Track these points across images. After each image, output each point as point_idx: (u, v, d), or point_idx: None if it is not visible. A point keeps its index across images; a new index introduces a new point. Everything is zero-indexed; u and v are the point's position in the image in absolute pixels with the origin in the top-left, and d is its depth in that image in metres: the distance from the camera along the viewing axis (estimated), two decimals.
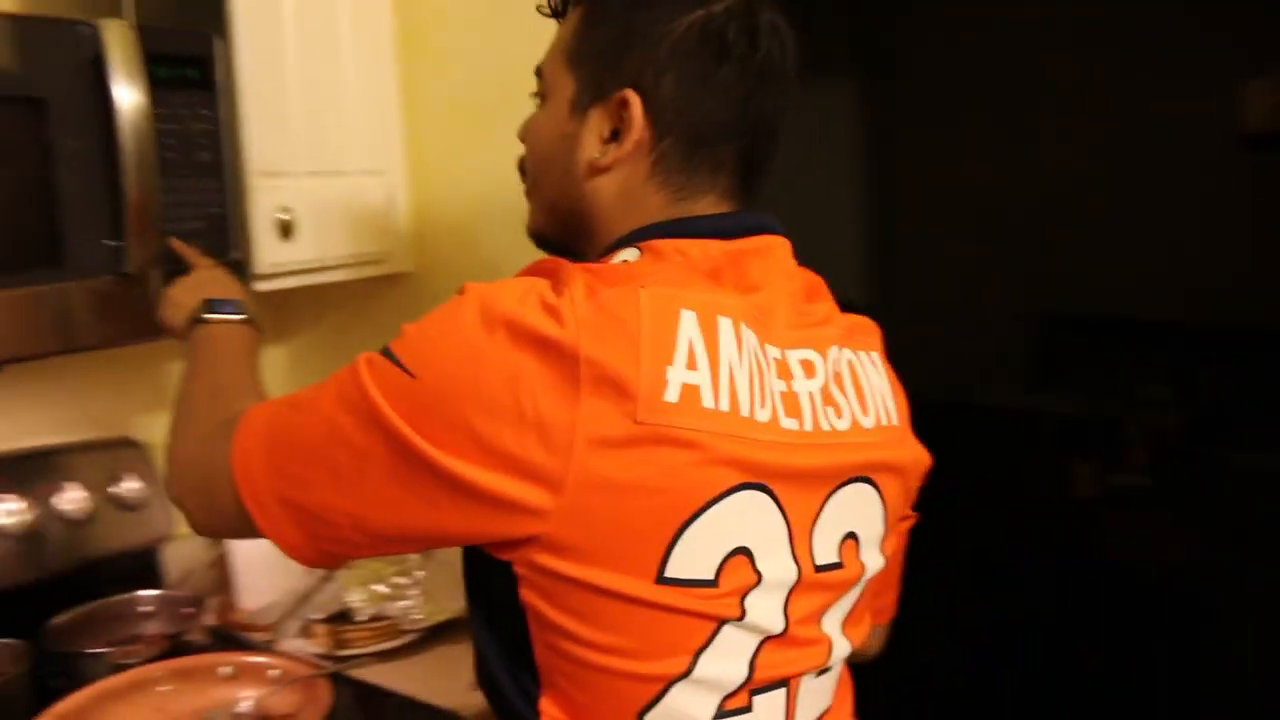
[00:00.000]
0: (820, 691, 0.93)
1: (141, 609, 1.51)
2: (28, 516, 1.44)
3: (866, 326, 0.98)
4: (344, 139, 1.59)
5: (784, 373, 0.85)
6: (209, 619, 1.54)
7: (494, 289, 0.78)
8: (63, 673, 1.30)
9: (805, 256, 0.93)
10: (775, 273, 0.89)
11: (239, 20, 1.39)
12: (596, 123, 0.90)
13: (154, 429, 1.60)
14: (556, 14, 0.97)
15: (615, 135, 0.89)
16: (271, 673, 1.33)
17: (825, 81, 3.66)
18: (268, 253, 1.47)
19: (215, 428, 0.90)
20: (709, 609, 0.81)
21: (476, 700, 0.94)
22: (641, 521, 0.77)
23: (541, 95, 0.96)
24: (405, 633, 1.49)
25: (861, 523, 0.91)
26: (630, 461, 0.75)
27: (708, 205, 0.91)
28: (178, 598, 1.53)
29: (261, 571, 1.56)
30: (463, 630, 1.40)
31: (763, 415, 0.81)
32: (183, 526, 1.29)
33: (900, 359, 1.01)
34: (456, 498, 0.76)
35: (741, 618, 0.82)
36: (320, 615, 1.50)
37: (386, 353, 0.79)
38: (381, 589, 1.53)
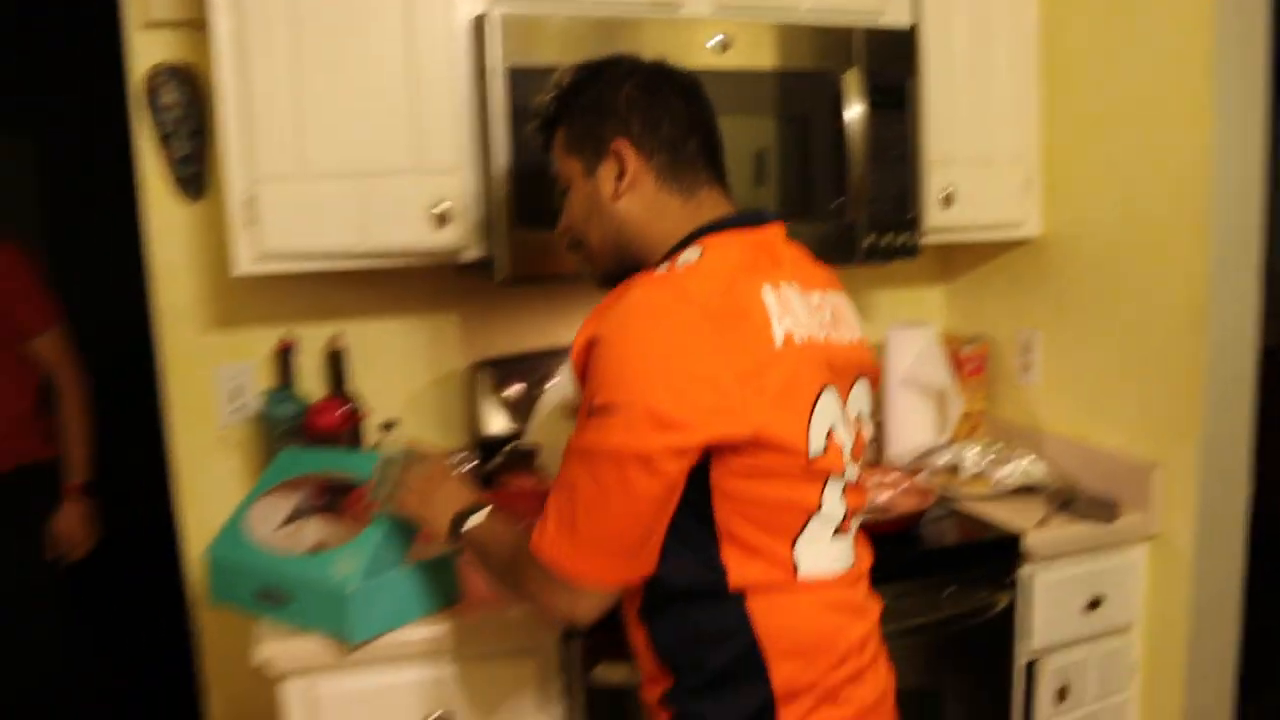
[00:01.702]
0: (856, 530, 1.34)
1: None
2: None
3: (833, 278, 1.39)
4: (994, 138, 2.20)
5: (819, 305, 1.28)
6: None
7: None
8: None
9: None
10: (784, 246, 1.31)
11: (928, 62, 2.08)
12: (605, 173, 1.29)
13: None
14: (548, 141, 1.37)
15: (620, 175, 1.28)
16: (901, 484, 2.06)
17: None
18: (934, 217, 2.14)
19: (531, 587, 1.23)
20: (828, 466, 1.22)
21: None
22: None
23: (564, 187, 1.36)
24: (996, 487, 2.12)
25: (863, 403, 1.34)
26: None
27: (710, 196, 1.31)
28: None
29: (905, 429, 2.30)
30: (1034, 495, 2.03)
31: (821, 333, 1.25)
32: None
33: None
34: None
35: (843, 473, 1.25)
36: (939, 466, 2.20)
37: None
38: (989, 455, 2.18)
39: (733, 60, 1.89)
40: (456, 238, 1.82)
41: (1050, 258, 2.26)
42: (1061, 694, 2.00)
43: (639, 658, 1.31)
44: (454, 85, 1.80)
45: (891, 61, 2.01)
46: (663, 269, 1.21)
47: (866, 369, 1.35)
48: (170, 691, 3.01)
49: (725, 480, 1.16)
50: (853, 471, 1.29)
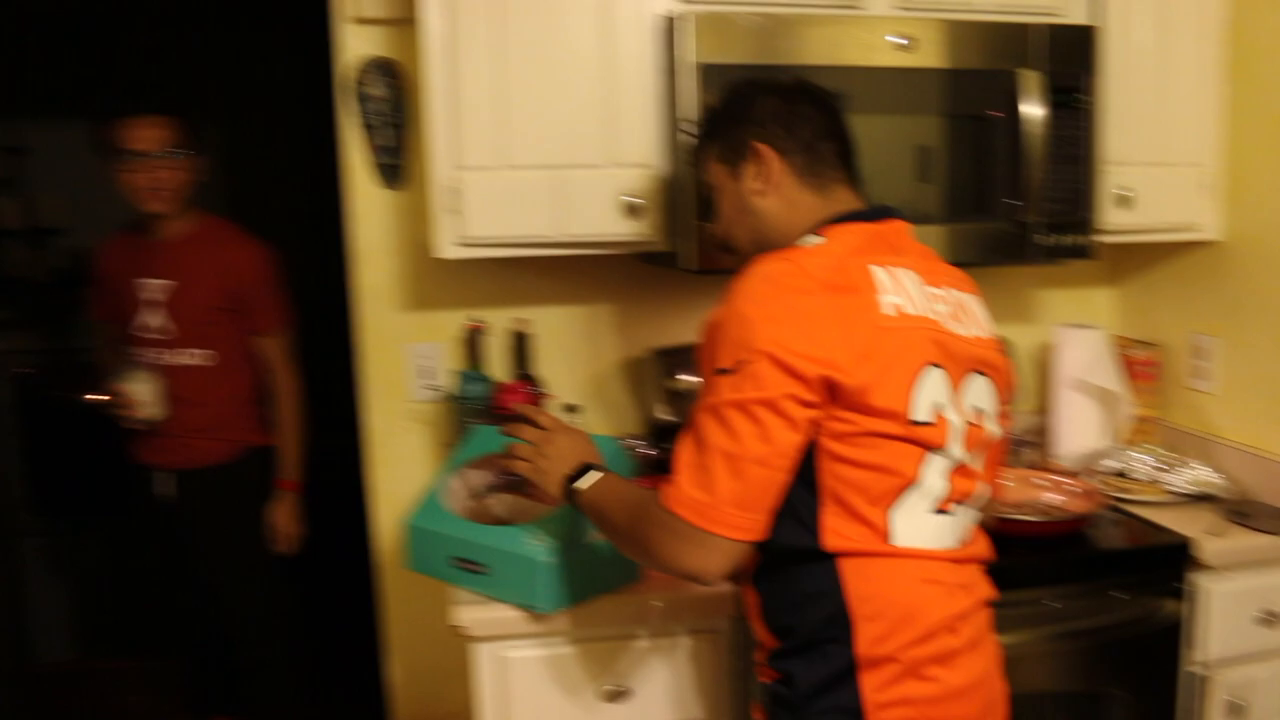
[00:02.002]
0: (971, 519, 1.38)
1: None
2: None
3: (966, 279, 1.44)
4: (1173, 138, 2.17)
5: (937, 296, 1.35)
6: (1032, 458, 2.31)
7: None
8: None
9: None
10: (907, 240, 1.39)
11: (1107, 61, 2.07)
12: (748, 174, 1.40)
13: (1016, 332, 2.39)
14: (702, 159, 1.49)
15: (761, 174, 1.39)
16: (1069, 486, 2.05)
17: None
18: (1110, 217, 2.13)
19: (658, 543, 1.28)
20: (930, 439, 1.28)
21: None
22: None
23: (714, 195, 1.47)
24: (1167, 494, 2.10)
25: (984, 400, 1.37)
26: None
27: (842, 193, 1.40)
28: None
29: (1074, 431, 2.29)
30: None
31: (937, 318, 1.32)
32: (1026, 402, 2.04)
33: None
34: None
35: (944, 448, 1.30)
36: (1107, 469, 2.19)
37: None
38: (1160, 461, 2.16)
39: (910, 58, 1.92)
40: (644, 228, 1.90)
41: (1230, 261, 2.22)
42: (1235, 710, 1.97)
43: (752, 621, 1.40)
44: (646, 82, 1.87)
45: (1070, 60, 2.00)
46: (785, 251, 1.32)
47: (990, 366, 1.39)
48: (354, 653, 3.19)
49: (830, 443, 1.25)
50: (964, 455, 1.33)
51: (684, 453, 1.25)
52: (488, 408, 2.05)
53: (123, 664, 3.60)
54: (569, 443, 1.50)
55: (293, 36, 3.99)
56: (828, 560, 1.28)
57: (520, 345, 2.13)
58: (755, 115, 1.41)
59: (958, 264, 1.93)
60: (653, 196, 1.89)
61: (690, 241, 1.85)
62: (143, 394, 2.44)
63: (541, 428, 1.53)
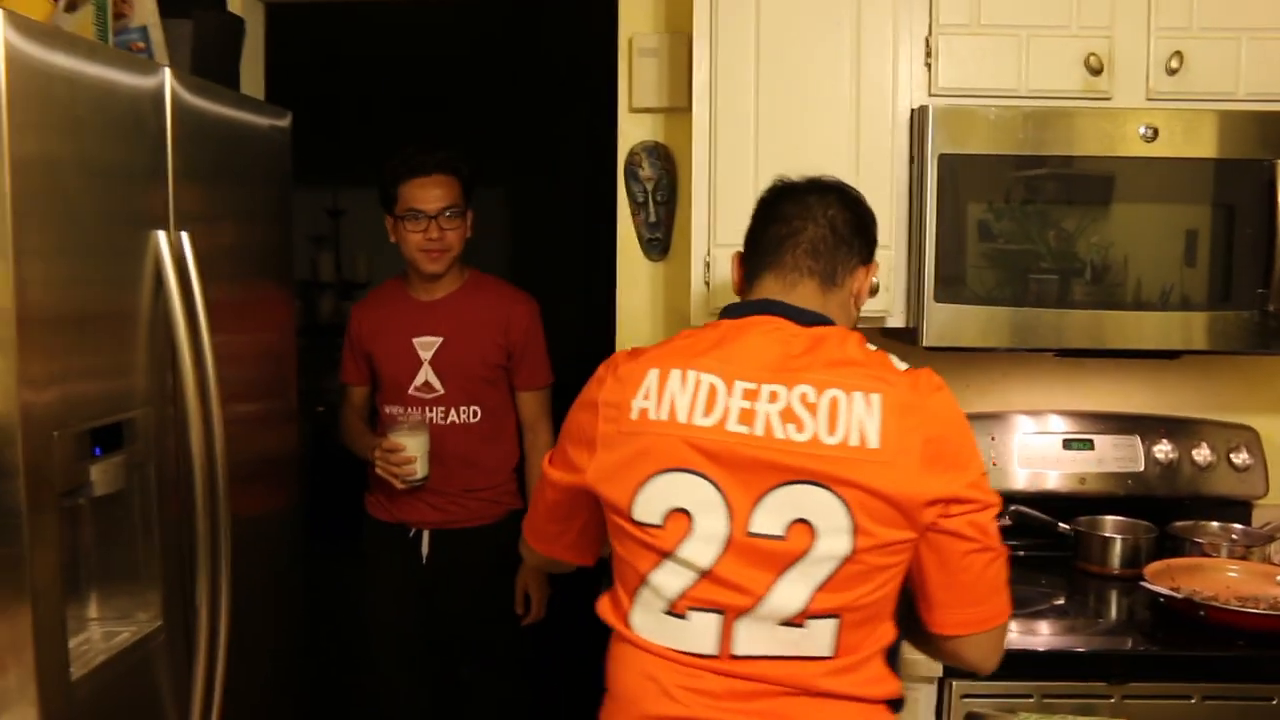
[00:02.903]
0: (778, 640, 1.29)
1: (1233, 535, 2.26)
2: (1173, 456, 2.33)
3: (873, 377, 1.32)
4: None
5: (749, 396, 1.31)
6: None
7: None
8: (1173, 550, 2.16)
9: None
10: (756, 336, 1.36)
11: None
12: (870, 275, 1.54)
13: (1263, 422, 2.37)
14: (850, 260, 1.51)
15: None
16: None
17: None
18: None
19: None
20: (656, 541, 1.31)
21: None
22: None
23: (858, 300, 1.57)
24: None
25: (817, 514, 1.27)
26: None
27: (759, 285, 1.47)
28: (1255, 533, 2.27)
29: None
30: None
31: (705, 420, 1.30)
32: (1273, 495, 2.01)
33: None
34: None
35: (672, 553, 1.30)
36: None
37: None
38: None
39: (1162, 148, 1.96)
40: (884, 305, 2.03)
41: None
42: None
43: None
44: (892, 171, 2.02)
45: None
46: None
47: (832, 477, 1.27)
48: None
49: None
50: (715, 564, 1.30)
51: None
52: None
53: None
54: None
55: (582, 122, 4.39)
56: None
57: None
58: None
59: (1205, 351, 1.95)
60: (893, 277, 2.02)
61: (929, 319, 1.97)
62: (414, 449, 2.40)
63: None
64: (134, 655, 1.62)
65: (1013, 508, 2.21)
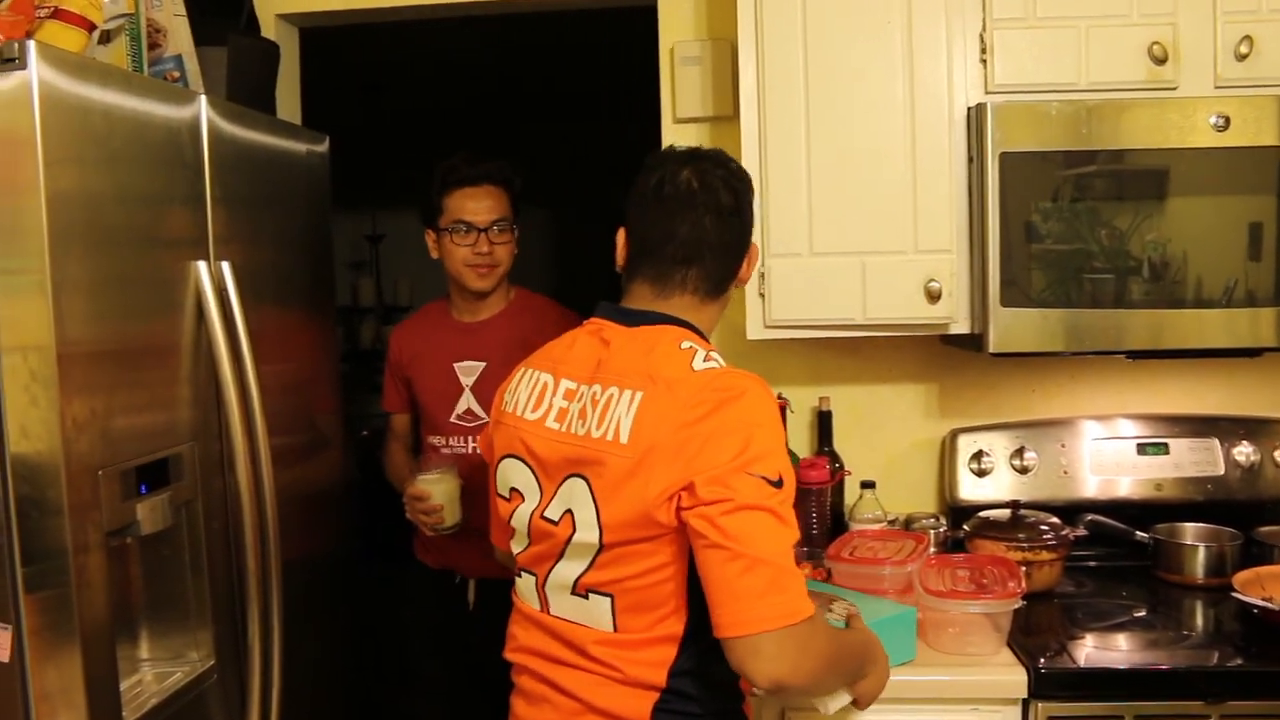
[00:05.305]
0: (580, 609, 1.41)
1: None
2: (1255, 458, 2.22)
3: (646, 375, 1.36)
4: None
5: (569, 395, 1.43)
6: None
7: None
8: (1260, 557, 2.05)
9: None
10: (586, 338, 1.48)
11: None
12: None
13: None
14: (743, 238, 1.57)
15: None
16: None
17: None
18: None
19: None
20: (503, 514, 1.51)
21: None
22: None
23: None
24: None
25: (577, 504, 1.38)
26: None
27: (629, 289, 1.52)
28: None
29: None
30: None
31: (533, 415, 1.47)
32: None
33: None
34: None
35: (510, 523, 1.50)
36: None
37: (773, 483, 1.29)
38: None
39: (1232, 138, 1.88)
40: (947, 311, 1.95)
41: None
42: None
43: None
44: (950, 172, 1.94)
45: None
46: None
47: (587, 467, 1.37)
48: None
49: None
50: (532, 538, 1.47)
51: None
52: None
53: None
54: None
55: (625, 132, 4.33)
56: None
57: (822, 422, 2.23)
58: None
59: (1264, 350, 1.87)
60: (954, 282, 1.95)
61: (995, 325, 1.89)
62: (440, 497, 2.17)
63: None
64: (187, 696, 1.58)
65: (1088, 517, 2.12)
